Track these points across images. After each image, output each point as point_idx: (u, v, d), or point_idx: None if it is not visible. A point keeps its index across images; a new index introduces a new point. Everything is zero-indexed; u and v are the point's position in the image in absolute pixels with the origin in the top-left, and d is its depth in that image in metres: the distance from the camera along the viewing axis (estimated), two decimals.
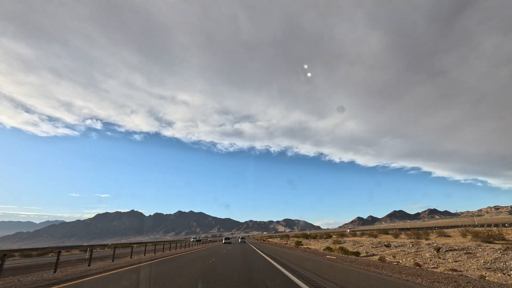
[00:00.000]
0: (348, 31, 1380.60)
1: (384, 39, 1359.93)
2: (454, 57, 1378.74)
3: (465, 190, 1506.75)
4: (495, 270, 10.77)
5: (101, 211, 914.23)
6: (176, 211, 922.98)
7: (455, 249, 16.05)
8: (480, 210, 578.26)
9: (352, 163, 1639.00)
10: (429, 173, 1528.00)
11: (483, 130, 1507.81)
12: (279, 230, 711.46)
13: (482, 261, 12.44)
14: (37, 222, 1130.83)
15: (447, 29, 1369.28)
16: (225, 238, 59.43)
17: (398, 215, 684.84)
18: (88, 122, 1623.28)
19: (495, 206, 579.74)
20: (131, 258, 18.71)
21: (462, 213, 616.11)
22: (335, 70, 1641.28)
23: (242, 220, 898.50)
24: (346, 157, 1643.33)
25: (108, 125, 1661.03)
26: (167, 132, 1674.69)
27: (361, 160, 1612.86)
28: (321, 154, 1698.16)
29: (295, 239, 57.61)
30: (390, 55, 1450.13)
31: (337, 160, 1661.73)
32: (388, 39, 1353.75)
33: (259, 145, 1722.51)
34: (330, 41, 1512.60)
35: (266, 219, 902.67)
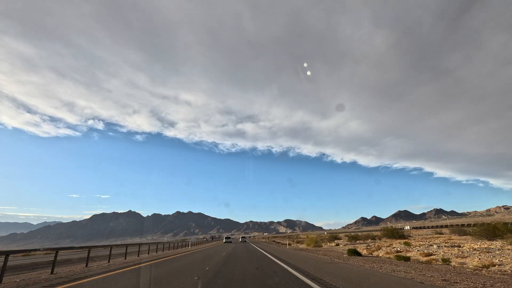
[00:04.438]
0: (353, 29, 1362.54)
1: (389, 37, 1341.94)
2: (459, 56, 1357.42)
3: (467, 191, 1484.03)
4: None
5: (100, 212, 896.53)
6: (175, 211, 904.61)
7: None
8: (489, 210, 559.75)
9: (354, 164, 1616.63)
10: (431, 173, 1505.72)
11: (486, 130, 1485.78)
12: (280, 230, 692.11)
13: None
14: (35, 223, 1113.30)
15: (453, 28, 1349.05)
16: (226, 238, 58.74)
17: (403, 215, 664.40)
18: (90, 122, 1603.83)
19: (503, 206, 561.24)
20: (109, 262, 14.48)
21: (470, 213, 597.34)
22: (339, 69, 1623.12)
23: (242, 221, 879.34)
24: (348, 157, 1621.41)
25: (110, 125, 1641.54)
26: (169, 133, 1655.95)
27: (363, 160, 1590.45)
28: (323, 154, 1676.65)
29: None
30: (395, 54, 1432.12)
31: (339, 160, 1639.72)
32: (393, 37, 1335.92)
33: (261, 145, 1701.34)
34: (335, 40, 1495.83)
35: (266, 220, 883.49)
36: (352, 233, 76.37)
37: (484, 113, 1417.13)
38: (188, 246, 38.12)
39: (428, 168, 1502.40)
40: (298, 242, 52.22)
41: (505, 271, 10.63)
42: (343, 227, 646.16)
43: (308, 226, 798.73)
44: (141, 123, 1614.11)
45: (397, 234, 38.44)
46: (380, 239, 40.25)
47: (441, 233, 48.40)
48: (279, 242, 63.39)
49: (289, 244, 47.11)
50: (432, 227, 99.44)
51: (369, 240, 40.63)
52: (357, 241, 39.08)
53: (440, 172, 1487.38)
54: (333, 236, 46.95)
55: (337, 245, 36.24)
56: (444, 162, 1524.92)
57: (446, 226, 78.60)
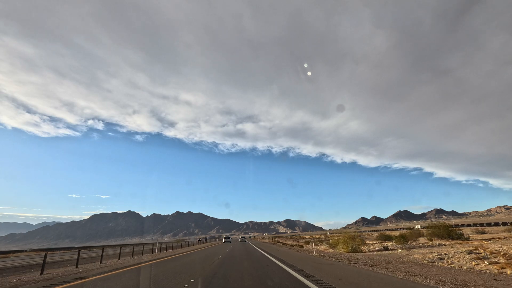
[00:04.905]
0: (354, 29, 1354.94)
1: (390, 38, 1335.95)
2: (460, 56, 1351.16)
3: (466, 191, 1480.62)
4: None
5: (99, 212, 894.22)
6: (174, 211, 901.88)
7: None
8: (489, 210, 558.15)
9: (354, 164, 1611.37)
10: (431, 173, 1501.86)
11: (486, 130, 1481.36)
12: (280, 231, 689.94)
13: None
14: (34, 224, 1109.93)
15: (453, 28, 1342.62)
16: (225, 238, 57.97)
17: (403, 215, 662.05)
18: (90, 122, 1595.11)
19: (504, 206, 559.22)
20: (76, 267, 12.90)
21: (470, 213, 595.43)
22: (340, 70, 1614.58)
23: (241, 221, 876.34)
24: (348, 157, 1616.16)
25: (110, 126, 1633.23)
26: (169, 133, 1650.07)
27: (363, 160, 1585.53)
28: (323, 154, 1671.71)
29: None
30: (395, 54, 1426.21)
31: (339, 160, 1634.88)
32: (394, 38, 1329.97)
33: (261, 145, 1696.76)
34: (335, 40, 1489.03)
35: (266, 220, 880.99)
36: (377, 231, 70.57)
37: (484, 113, 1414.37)
38: (153, 253, 26.48)
39: (428, 168, 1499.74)
40: (307, 243, 44.31)
41: None
42: (343, 227, 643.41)
43: (308, 226, 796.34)
44: (141, 123, 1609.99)
45: (454, 234, 30.53)
46: (432, 240, 31.03)
47: (484, 232, 44.28)
48: (285, 243, 52.36)
49: (300, 246, 38.73)
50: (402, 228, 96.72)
51: (413, 241, 30.85)
52: (409, 242, 28.96)
53: (440, 172, 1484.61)
54: (353, 236, 36.60)
55: (386, 249, 25.51)
56: (444, 162, 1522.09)
57: (457, 226, 76.18)
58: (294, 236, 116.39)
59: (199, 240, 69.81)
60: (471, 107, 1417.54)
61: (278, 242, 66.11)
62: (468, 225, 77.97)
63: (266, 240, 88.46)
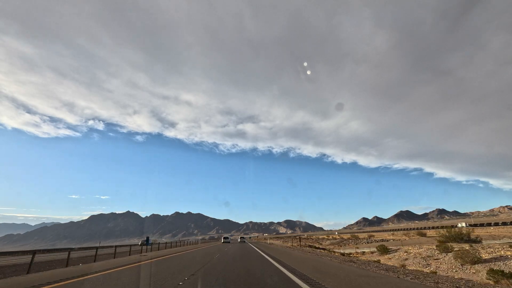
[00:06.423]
0: (354, 29, 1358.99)
1: (390, 38, 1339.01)
2: (460, 56, 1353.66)
3: (467, 191, 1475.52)
4: None
5: (98, 213, 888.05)
6: (174, 212, 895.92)
7: None
8: (492, 210, 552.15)
9: (354, 164, 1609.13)
10: (431, 174, 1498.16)
11: (486, 130, 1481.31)
12: (281, 231, 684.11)
13: None
14: (33, 224, 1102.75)
15: (454, 28, 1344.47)
16: (224, 238, 57.75)
17: (405, 215, 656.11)
18: (90, 122, 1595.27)
19: (507, 206, 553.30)
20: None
21: (473, 213, 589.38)
22: (340, 70, 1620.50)
23: (241, 222, 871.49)
24: (349, 158, 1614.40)
25: (110, 126, 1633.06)
26: (170, 133, 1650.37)
27: (363, 161, 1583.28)
28: (324, 155, 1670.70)
29: None
30: (396, 55, 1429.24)
31: (339, 161, 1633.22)
32: (394, 38, 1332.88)
33: (261, 146, 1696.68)
34: (336, 40, 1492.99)
35: (266, 220, 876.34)
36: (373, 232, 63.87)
37: (484, 113, 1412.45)
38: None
39: (428, 169, 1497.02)
40: (339, 245, 31.34)
41: None
42: (344, 228, 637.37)
43: (309, 227, 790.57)
44: (141, 123, 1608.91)
45: None
46: None
47: None
48: (333, 251, 32.21)
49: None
50: (441, 227, 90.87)
51: None
52: None
53: (440, 173, 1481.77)
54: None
55: None
56: (444, 163, 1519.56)
57: (468, 226, 69.87)
58: (306, 237, 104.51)
59: (142, 243, 39.95)
60: (471, 107, 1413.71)
61: (308, 245, 42.56)
62: (496, 224, 71.77)
63: (275, 242, 65.11)
